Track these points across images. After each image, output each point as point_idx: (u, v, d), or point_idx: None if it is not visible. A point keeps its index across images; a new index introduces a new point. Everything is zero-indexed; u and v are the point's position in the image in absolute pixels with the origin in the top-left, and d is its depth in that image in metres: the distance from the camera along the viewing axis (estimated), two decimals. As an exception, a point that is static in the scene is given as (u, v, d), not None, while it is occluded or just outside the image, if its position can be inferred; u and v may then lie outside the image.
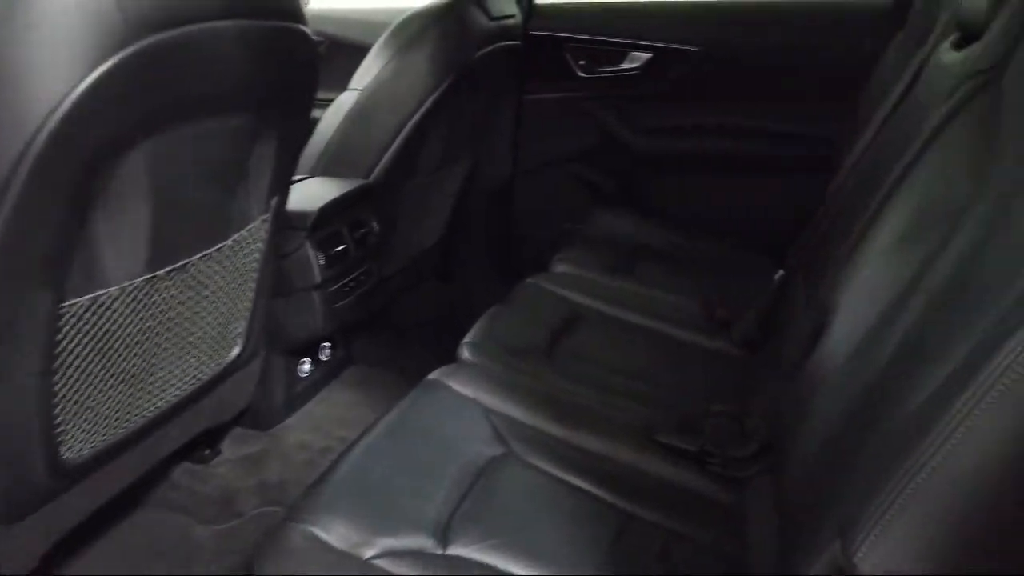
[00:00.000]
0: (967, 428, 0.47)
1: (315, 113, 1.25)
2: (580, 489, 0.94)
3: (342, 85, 1.58)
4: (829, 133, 1.68)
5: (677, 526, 0.91)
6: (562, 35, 1.98)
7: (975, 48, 0.92)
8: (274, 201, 1.15)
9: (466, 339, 1.22)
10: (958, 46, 1.00)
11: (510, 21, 1.84)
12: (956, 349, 0.59)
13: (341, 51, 2.03)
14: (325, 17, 2.15)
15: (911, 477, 0.49)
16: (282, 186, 1.18)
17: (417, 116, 1.53)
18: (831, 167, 1.63)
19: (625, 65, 1.94)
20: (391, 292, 1.71)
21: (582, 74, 1.98)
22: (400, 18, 1.59)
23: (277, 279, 1.29)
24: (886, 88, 1.40)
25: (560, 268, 1.56)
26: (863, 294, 0.83)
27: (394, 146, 1.53)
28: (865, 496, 0.54)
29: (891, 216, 0.85)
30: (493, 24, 1.73)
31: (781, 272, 1.35)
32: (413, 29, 1.55)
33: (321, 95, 1.17)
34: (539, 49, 1.99)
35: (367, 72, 1.55)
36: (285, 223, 1.25)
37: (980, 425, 0.46)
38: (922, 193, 0.83)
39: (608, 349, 1.29)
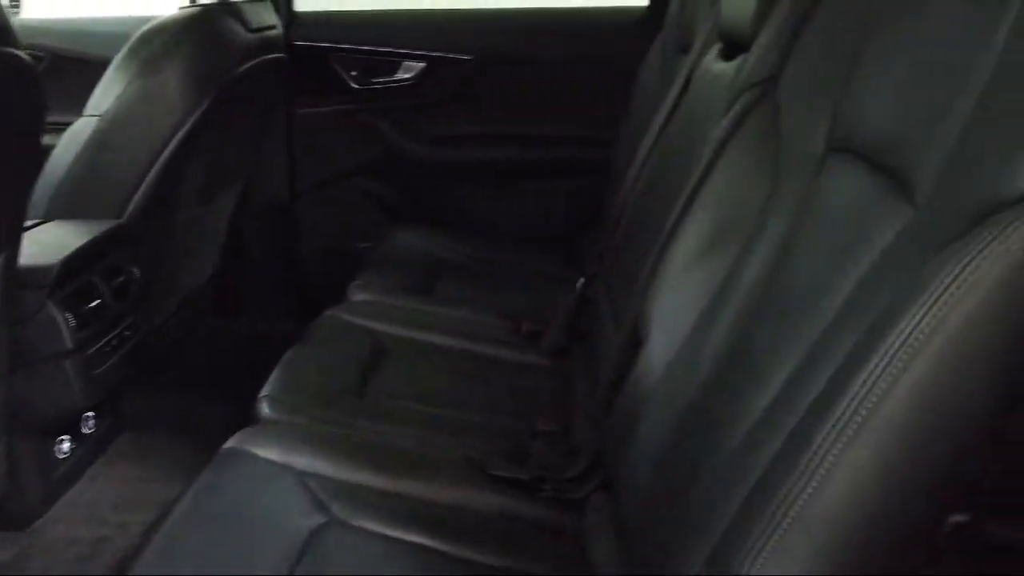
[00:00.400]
0: (829, 466, 0.46)
1: (49, 140, 1.05)
2: (413, 544, 0.87)
3: (74, 106, 1.35)
4: (607, 135, 1.74)
5: (519, 564, 0.87)
6: (328, 45, 1.87)
7: (746, 59, 0.95)
8: (1, 258, 0.94)
9: (264, 392, 1.09)
10: (726, 56, 1.05)
11: (271, 32, 1.69)
12: (776, 371, 0.60)
13: (69, 67, 1.75)
14: (43, 29, 1.85)
15: (781, 517, 0.47)
16: (11, 236, 0.97)
17: (175, 142, 1.34)
18: (611, 169, 1.69)
19: (400, 75, 1.88)
20: (165, 343, 1.50)
21: (355, 85, 1.88)
22: (140, 30, 1.39)
23: (14, 350, 1.06)
24: (655, 93, 1.47)
25: (359, 296, 1.46)
26: (673, 308, 0.84)
27: (149, 177, 1.34)
28: (734, 534, 0.52)
29: (691, 227, 0.87)
30: (253, 36, 1.57)
31: (582, 280, 1.36)
32: (158, 44, 1.36)
33: (52, 119, 0.97)
34: (305, 60, 1.86)
35: (106, 94, 1.33)
36: (18, 282, 1.03)
37: (843, 462, 0.46)
38: (718, 205, 0.84)
39: (421, 380, 1.22)
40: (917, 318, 0.44)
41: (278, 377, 1.14)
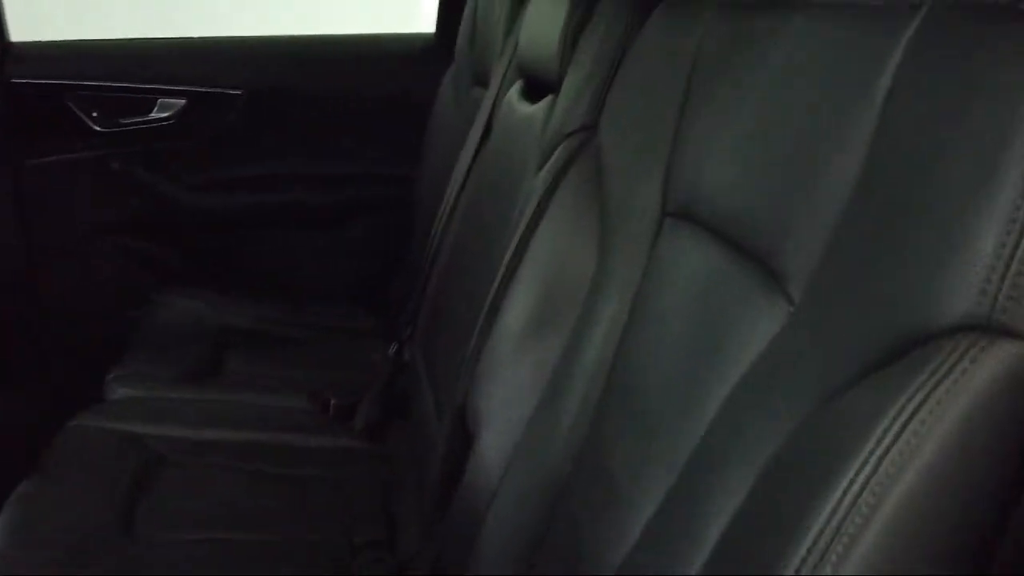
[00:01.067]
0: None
1: None
2: None
3: None
4: (404, 171, 1.59)
5: None
6: (61, 82, 1.55)
7: (555, 103, 0.84)
8: None
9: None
10: (530, 96, 0.94)
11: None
12: (645, 495, 0.48)
13: None
14: None
15: None
16: None
17: None
18: (414, 208, 1.54)
19: (156, 114, 1.60)
20: None
21: (99, 128, 1.57)
22: None
23: None
24: (454, 128, 1.34)
25: (120, 391, 1.19)
26: (505, 397, 0.71)
27: None
28: None
29: (515, 300, 0.74)
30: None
31: (395, 345, 1.19)
32: None
33: None
34: (30, 101, 1.53)
35: None
36: None
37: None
38: (543, 275, 0.73)
39: (208, 496, 0.99)
40: (867, 469, 0.33)
41: (5, 526, 0.87)
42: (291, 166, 1.67)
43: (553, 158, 0.76)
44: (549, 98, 0.87)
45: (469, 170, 1.08)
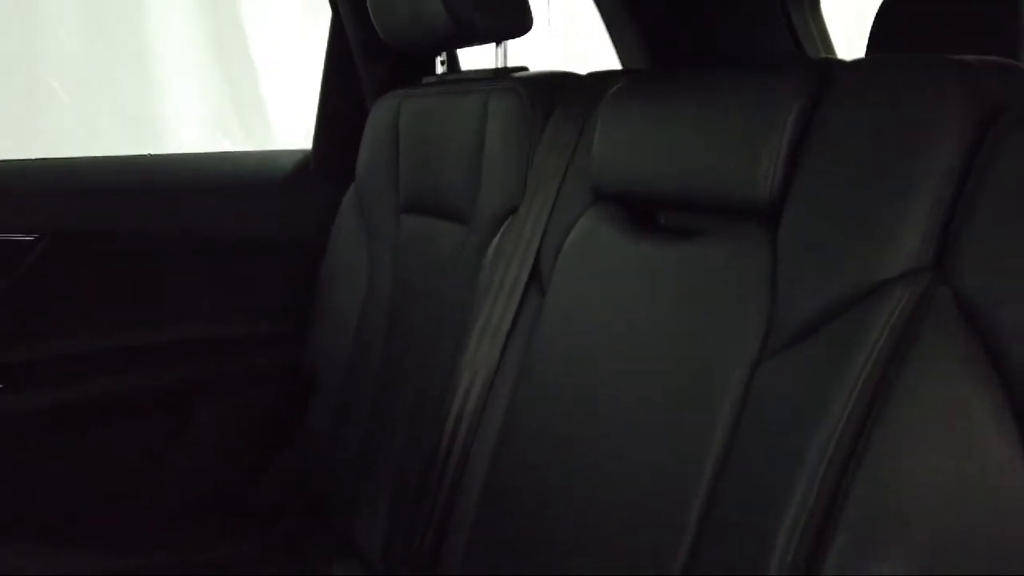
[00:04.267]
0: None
1: None
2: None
3: None
4: (286, 330, 1.17)
5: None
6: None
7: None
8: None
9: None
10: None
11: None
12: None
13: None
14: None
15: None
16: None
17: None
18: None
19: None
20: None
21: None
22: None
23: None
24: (367, 264, 1.06)
25: None
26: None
27: None
28: None
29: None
30: None
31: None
32: None
33: None
34: None
35: None
36: None
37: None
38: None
39: None
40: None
41: None
42: (133, 338, 1.18)
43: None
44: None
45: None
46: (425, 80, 1.13)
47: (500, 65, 1.03)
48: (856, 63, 0.65)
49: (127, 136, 2.49)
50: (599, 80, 0.89)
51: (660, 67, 1.07)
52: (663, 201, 0.74)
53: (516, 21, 0.99)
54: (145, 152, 1.42)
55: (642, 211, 0.76)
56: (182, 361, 1.20)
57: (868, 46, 0.85)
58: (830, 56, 1.24)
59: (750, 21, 1.44)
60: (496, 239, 0.91)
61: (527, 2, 0.99)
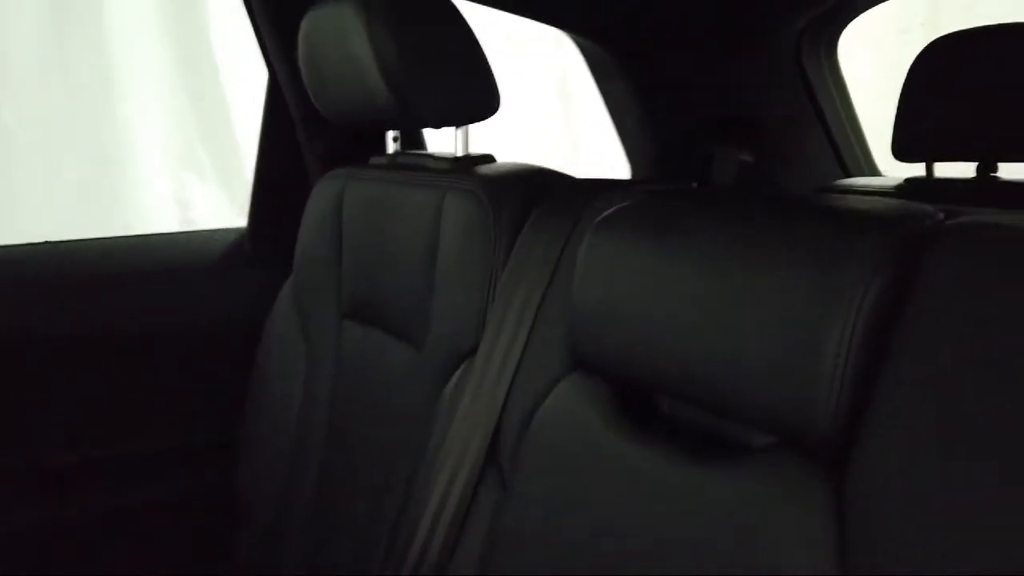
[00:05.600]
0: None
1: None
2: None
3: None
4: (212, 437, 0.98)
5: None
6: None
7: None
8: None
9: None
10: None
11: None
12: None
13: None
14: None
15: None
16: None
17: None
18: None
19: None
20: None
21: None
22: None
23: None
24: (308, 365, 0.90)
25: None
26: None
27: None
28: None
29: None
30: None
31: None
32: None
33: None
34: None
35: None
36: None
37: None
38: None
39: None
40: None
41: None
42: (16, 459, 0.98)
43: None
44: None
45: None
46: (373, 160, 0.92)
47: (461, 153, 0.82)
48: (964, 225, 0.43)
49: (85, 172, 2.30)
50: (590, 189, 0.69)
51: (677, 181, 0.81)
52: (669, 388, 0.53)
53: (478, 102, 0.78)
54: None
55: (639, 395, 0.55)
56: (101, 484, 1.01)
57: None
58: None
59: (764, 76, 1.26)
60: (454, 379, 0.71)
61: (494, 82, 0.78)
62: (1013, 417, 0.35)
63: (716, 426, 0.49)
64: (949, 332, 0.38)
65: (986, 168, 0.97)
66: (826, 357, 0.40)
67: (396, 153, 0.93)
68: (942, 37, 0.92)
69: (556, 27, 1.19)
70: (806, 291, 0.42)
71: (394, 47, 0.73)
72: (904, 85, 0.94)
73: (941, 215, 0.43)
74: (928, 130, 0.93)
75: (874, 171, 1.36)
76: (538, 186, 0.74)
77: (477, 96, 0.78)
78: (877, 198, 0.50)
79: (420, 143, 1.02)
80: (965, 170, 0.99)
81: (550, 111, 2.50)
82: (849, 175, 1.33)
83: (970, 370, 0.37)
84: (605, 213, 0.59)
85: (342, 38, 0.77)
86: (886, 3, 1.19)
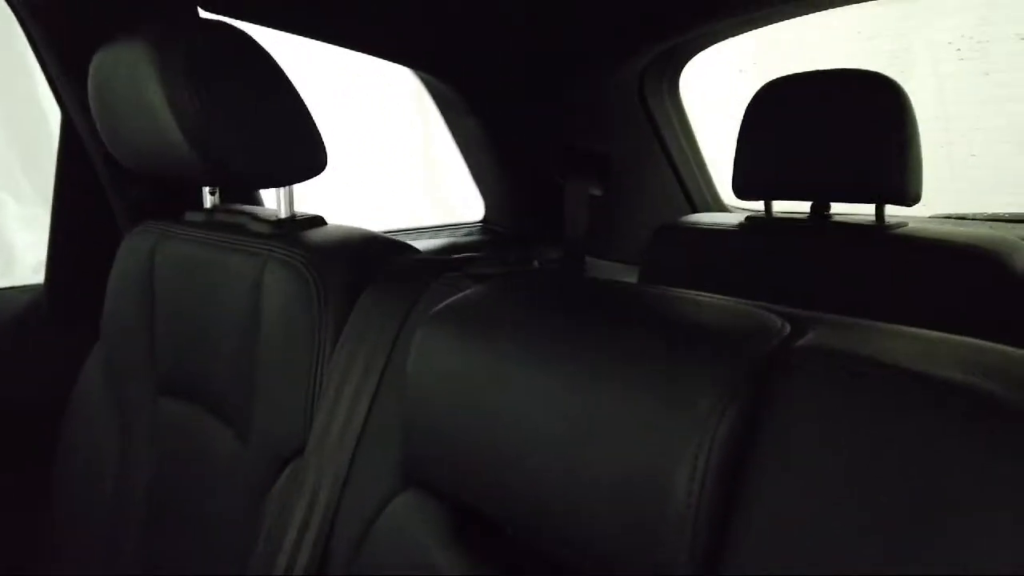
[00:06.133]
0: None
1: None
2: None
3: None
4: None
5: None
6: None
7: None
8: None
9: None
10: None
11: None
12: None
13: None
14: None
15: None
16: None
17: None
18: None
19: None
20: None
21: None
22: None
23: None
24: (107, 455, 0.80)
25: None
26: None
27: None
28: None
29: None
30: None
31: None
32: None
33: None
34: None
35: None
36: None
37: None
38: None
39: None
40: None
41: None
42: None
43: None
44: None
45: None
46: (189, 216, 0.82)
47: (285, 214, 0.73)
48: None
49: None
50: (428, 267, 0.62)
51: (527, 267, 0.69)
52: (509, 519, 0.47)
53: (299, 160, 0.70)
54: None
55: (478, 517, 0.49)
56: None
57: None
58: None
59: (609, 112, 1.25)
60: (280, 482, 0.63)
61: (318, 137, 0.71)
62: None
63: (564, 559, 0.44)
64: (800, 459, 0.35)
65: (819, 207, 1.00)
66: (678, 497, 0.36)
67: (214, 208, 0.83)
68: (772, 81, 0.94)
69: (400, 64, 1.12)
70: (650, 423, 0.38)
71: (193, 95, 0.64)
72: (740, 127, 0.95)
73: (787, 329, 0.41)
74: (764, 171, 0.95)
75: (720, 205, 1.39)
76: (372, 257, 0.67)
77: (298, 153, 0.69)
78: (720, 298, 0.46)
79: (248, 195, 0.92)
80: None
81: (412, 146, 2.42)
82: (696, 210, 1.35)
83: (821, 498, 0.34)
84: (436, 308, 0.52)
85: (134, 83, 0.67)
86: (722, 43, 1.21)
